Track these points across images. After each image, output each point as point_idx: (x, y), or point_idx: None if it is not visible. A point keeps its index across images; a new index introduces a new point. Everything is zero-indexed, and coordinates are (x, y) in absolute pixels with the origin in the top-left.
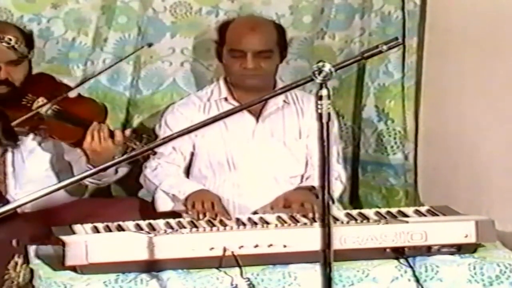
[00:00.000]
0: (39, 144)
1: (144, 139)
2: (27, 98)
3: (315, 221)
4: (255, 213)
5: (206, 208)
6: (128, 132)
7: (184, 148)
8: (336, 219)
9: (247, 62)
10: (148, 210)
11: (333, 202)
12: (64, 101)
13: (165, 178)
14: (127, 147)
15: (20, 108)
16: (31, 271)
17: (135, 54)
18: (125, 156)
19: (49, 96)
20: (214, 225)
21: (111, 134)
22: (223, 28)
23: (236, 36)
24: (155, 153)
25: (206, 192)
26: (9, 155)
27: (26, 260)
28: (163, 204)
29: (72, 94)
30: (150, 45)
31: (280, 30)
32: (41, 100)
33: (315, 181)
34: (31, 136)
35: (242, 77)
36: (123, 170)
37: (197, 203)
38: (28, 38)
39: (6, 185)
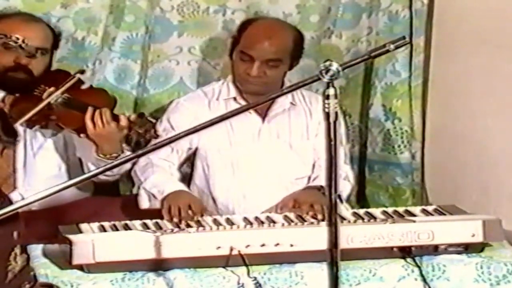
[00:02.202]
0: (54, 142)
1: (149, 124)
2: (39, 89)
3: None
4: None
5: (182, 211)
6: (133, 116)
7: (180, 145)
8: (343, 218)
9: (252, 69)
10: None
11: (342, 202)
12: (75, 92)
13: (151, 175)
14: (133, 132)
15: (31, 99)
16: (28, 258)
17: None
18: (140, 152)
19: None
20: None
21: (115, 118)
22: (243, 27)
23: (249, 40)
24: (157, 136)
25: (183, 194)
26: (20, 151)
27: (24, 249)
28: (143, 201)
29: (84, 86)
30: (82, 72)
31: (297, 39)
32: (52, 89)
33: (322, 182)
34: (45, 133)
35: (244, 82)
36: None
37: (173, 206)
38: (54, 36)
39: (15, 181)
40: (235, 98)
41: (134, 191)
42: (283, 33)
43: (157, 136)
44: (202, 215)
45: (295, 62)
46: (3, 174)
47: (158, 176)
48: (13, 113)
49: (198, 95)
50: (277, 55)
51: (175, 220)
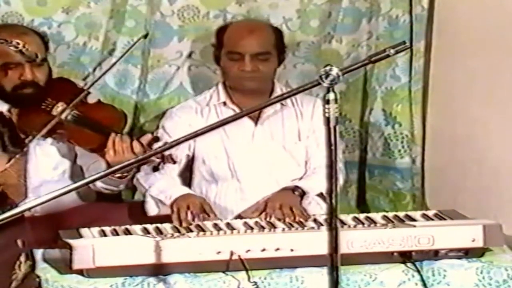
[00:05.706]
0: (58, 150)
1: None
2: (46, 103)
3: (292, 226)
4: (238, 217)
5: (194, 212)
6: (148, 139)
7: (179, 151)
8: (343, 223)
9: (245, 65)
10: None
11: (325, 200)
12: (84, 107)
13: (155, 181)
14: (151, 159)
15: (39, 112)
16: (33, 264)
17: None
18: (134, 160)
19: (69, 101)
20: (204, 230)
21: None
22: (220, 32)
23: (233, 38)
24: (174, 162)
25: (190, 196)
26: (28, 160)
27: (30, 257)
28: (151, 208)
29: (91, 100)
30: (146, 35)
31: (277, 33)
32: (60, 105)
33: (308, 182)
34: (49, 140)
35: (240, 80)
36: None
37: (182, 208)
38: (44, 41)
39: (26, 188)
40: (225, 103)
41: (136, 197)
42: (262, 27)
43: (174, 162)
44: (210, 215)
45: (282, 56)
46: (12, 183)
47: (163, 182)
48: (20, 125)
49: (190, 105)
50: (264, 47)
51: (184, 224)
